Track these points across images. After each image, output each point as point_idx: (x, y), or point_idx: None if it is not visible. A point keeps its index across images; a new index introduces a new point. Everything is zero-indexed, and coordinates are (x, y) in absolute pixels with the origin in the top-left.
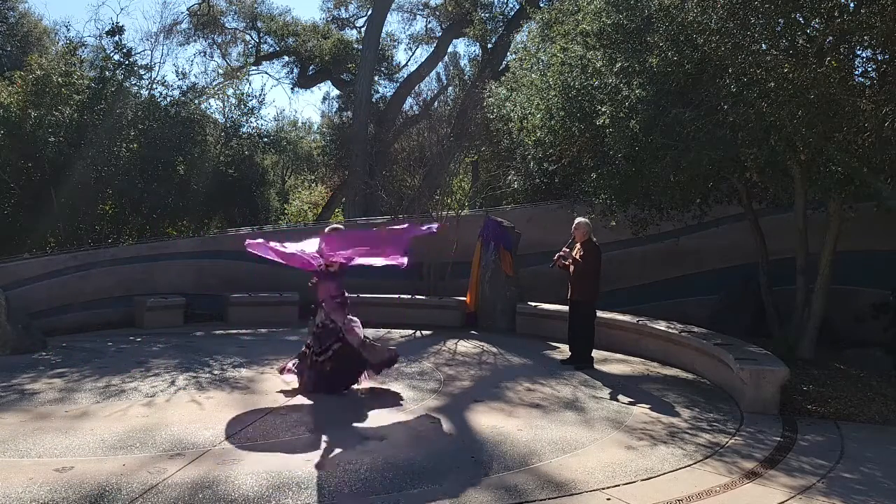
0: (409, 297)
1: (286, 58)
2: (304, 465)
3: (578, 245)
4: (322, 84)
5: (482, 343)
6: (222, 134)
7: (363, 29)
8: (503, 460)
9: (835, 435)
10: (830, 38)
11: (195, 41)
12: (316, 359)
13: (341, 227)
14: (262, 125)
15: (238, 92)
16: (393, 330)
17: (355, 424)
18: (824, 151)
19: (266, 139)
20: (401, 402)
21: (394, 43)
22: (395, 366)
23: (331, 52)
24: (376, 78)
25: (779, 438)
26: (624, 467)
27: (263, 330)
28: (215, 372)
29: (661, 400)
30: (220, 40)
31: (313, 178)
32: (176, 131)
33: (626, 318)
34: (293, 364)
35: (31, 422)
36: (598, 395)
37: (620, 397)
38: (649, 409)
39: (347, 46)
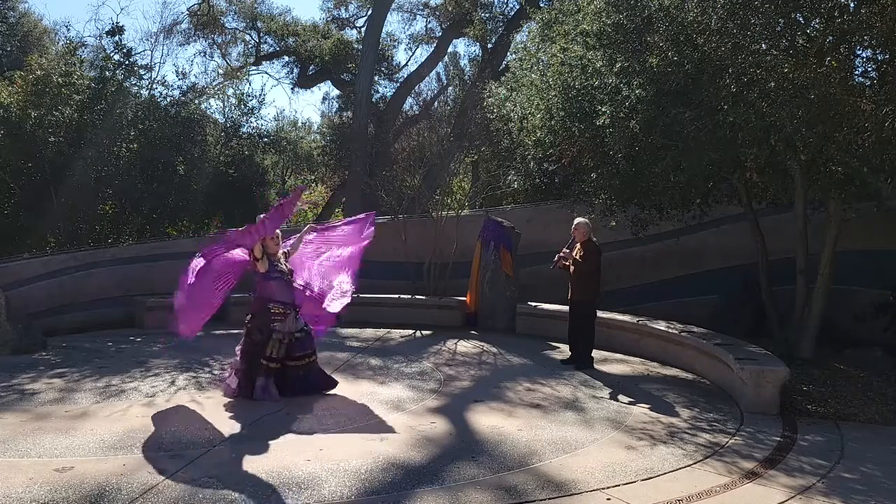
0: (409, 297)
1: (286, 58)
2: (304, 465)
3: (578, 245)
4: (322, 84)
5: (482, 343)
6: (222, 134)
7: (363, 29)
8: (503, 460)
9: (835, 435)
10: (830, 38)
11: (195, 41)
12: (292, 363)
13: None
14: (262, 125)
15: (238, 92)
16: (393, 330)
17: (354, 425)
18: (824, 151)
19: (266, 139)
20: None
21: (394, 43)
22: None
23: (331, 52)
24: (376, 78)
25: (779, 438)
26: (624, 467)
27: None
28: (215, 372)
29: (660, 400)
30: (220, 40)
31: (313, 178)
32: (176, 131)
33: (626, 318)
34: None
35: (31, 422)
36: (598, 395)
37: (620, 397)
38: (649, 409)
39: (347, 46)
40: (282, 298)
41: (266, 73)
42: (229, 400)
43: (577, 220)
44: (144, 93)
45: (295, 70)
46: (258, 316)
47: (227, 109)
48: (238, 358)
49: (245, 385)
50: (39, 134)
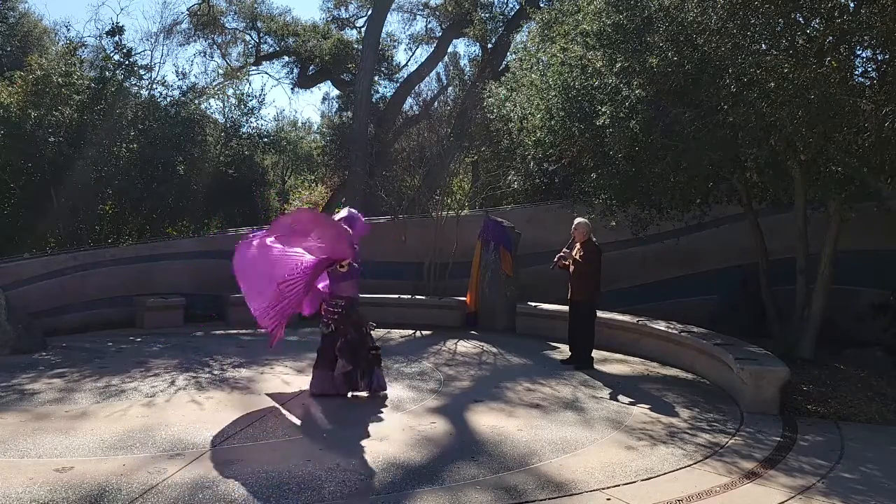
0: (409, 297)
1: (286, 58)
2: (304, 465)
3: (578, 245)
4: (322, 84)
5: (482, 343)
6: (222, 134)
7: (363, 29)
8: (503, 460)
9: (835, 435)
10: (830, 38)
11: (195, 41)
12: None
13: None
14: (262, 125)
15: (238, 92)
16: (393, 330)
17: (355, 425)
18: (824, 151)
19: (266, 139)
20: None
21: (394, 43)
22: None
23: (331, 52)
24: (376, 78)
25: (779, 438)
26: (624, 467)
27: (263, 330)
28: (215, 372)
29: (660, 400)
30: (220, 40)
31: (313, 178)
32: (176, 131)
33: (626, 318)
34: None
35: (31, 422)
36: (597, 395)
37: (620, 397)
38: (649, 409)
39: (347, 46)
40: (359, 294)
41: (266, 73)
42: (229, 400)
43: (577, 220)
44: (144, 93)
45: (295, 70)
46: (350, 314)
47: (227, 109)
48: (342, 361)
49: (346, 382)
50: (39, 134)
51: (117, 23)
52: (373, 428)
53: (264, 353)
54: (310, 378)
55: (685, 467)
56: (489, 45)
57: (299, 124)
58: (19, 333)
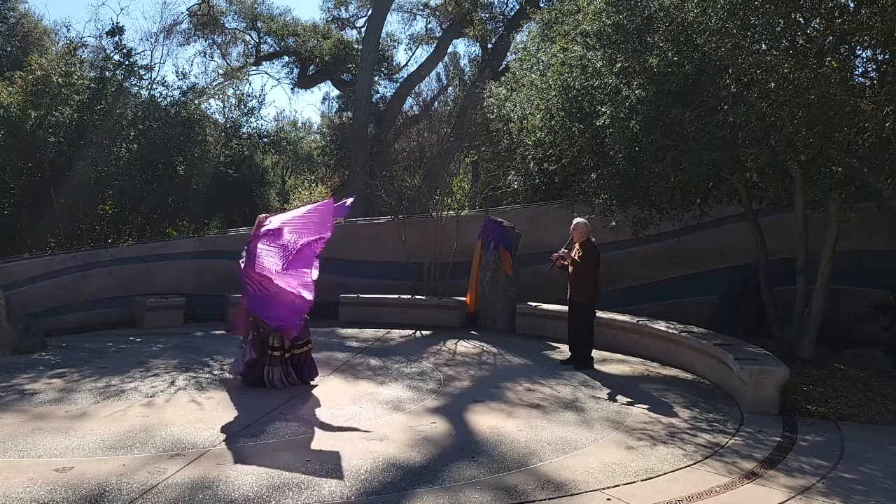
0: (409, 297)
1: (286, 58)
2: (304, 465)
3: (577, 245)
4: (322, 84)
5: (482, 343)
6: (222, 134)
7: (363, 29)
8: (503, 460)
9: (835, 435)
10: (830, 38)
11: (195, 41)
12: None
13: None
14: (262, 125)
15: (238, 92)
16: (393, 330)
17: (355, 425)
18: (824, 152)
19: (266, 139)
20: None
21: (394, 43)
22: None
23: (331, 52)
24: (376, 78)
25: (779, 439)
26: (624, 467)
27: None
28: (215, 372)
29: (660, 400)
30: (220, 40)
31: (313, 178)
32: (176, 131)
33: (626, 318)
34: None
35: (31, 422)
36: (597, 395)
37: (620, 397)
38: (649, 409)
39: (347, 46)
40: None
41: (266, 73)
42: (229, 400)
43: (576, 220)
44: (144, 93)
45: (295, 70)
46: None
47: (227, 109)
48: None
49: (252, 374)
50: (39, 134)
51: (117, 23)
52: (373, 428)
53: None
54: (309, 379)
55: (685, 467)
56: (489, 45)
57: (299, 124)
58: (19, 333)
